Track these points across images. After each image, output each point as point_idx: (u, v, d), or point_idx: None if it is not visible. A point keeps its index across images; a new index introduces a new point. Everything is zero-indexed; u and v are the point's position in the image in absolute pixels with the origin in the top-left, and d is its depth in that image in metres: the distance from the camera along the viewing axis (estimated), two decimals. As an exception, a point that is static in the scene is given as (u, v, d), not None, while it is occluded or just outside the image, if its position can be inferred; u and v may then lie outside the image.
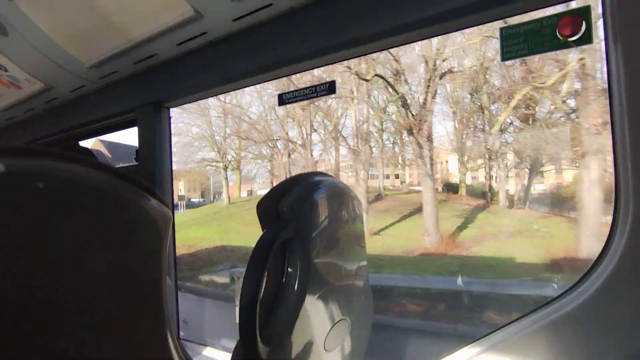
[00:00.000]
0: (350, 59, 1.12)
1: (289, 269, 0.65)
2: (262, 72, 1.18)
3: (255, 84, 1.27)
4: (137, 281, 0.41)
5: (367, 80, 9.03)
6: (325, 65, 1.12)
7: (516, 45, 0.79)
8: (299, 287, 0.65)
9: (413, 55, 8.93)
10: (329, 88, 1.12)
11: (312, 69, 1.15)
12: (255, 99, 12.32)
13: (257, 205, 0.66)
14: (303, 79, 7.88)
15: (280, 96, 1.19)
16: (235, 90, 1.31)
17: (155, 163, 1.46)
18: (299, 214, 0.66)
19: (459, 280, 5.88)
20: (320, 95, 1.13)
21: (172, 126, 1.53)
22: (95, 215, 0.38)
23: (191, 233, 10.59)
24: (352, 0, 0.98)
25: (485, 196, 9.33)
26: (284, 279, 0.65)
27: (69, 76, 1.50)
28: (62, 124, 1.87)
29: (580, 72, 6.41)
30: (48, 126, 1.94)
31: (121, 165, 1.68)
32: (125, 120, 1.62)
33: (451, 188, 10.51)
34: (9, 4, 1.19)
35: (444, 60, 8.31)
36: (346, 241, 0.79)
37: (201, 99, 1.42)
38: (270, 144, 12.12)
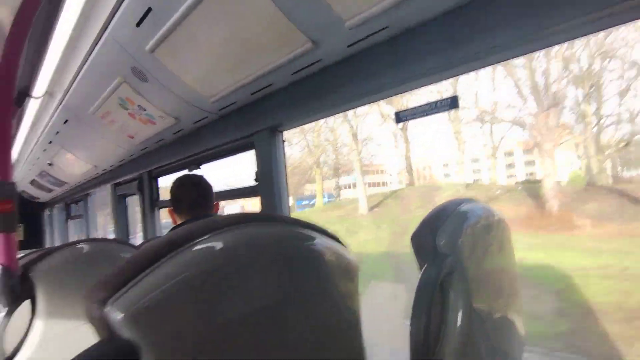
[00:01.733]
0: (470, 72, 1.05)
1: (450, 311, 0.62)
2: (375, 92, 1.17)
3: (369, 104, 1.27)
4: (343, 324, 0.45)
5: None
6: (445, 79, 1.07)
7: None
8: (460, 332, 0.62)
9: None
10: (452, 103, 1.07)
11: (430, 84, 1.11)
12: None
13: (412, 238, 0.64)
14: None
15: (397, 114, 1.17)
16: (348, 111, 1.33)
17: (273, 182, 1.55)
18: (455, 248, 0.63)
19: None
20: (442, 111, 1.09)
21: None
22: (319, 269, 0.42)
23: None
24: (473, 14, 0.92)
25: None
26: (443, 323, 0.63)
27: (194, 110, 1.67)
28: (186, 151, 2.09)
29: None
30: (174, 153, 2.19)
31: (244, 186, 1.81)
32: (242, 144, 1.75)
33: None
34: (150, 55, 1.35)
35: None
36: (499, 277, 0.74)
37: (314, 121, 1.46)
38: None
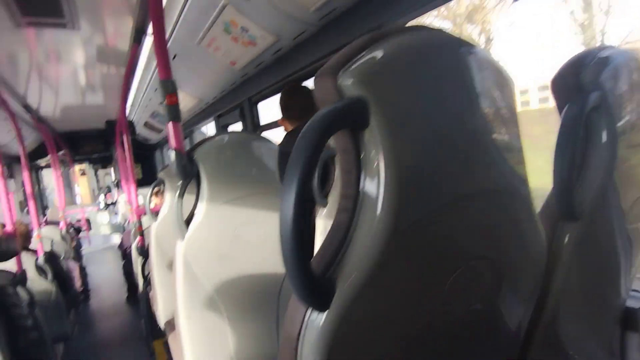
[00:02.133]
0: None
1: (595, 147, 0.63)
2: None
3: None
4: None
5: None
6: None
7: None
8: (604, 163, 0.63)
9: None
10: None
11: None
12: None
13: (552, 81, 0.65)
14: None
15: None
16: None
17: None
18: (600, 85, 0.62)
19: None
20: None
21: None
22: None
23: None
24: None
25: None
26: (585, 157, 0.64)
27: (294, 24, 1.72)
28: (285, 71, 2.18)
29: None
30: (273, 76, 2.30)
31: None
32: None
33: None
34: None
35: None
36: None
37: (425, 14, 1.42)
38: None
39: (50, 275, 2.58)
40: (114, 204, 7.53)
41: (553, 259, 0.62)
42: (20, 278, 2.08)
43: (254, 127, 2.79)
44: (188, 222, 1.16)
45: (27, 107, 3.72)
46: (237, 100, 2.84)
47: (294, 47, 1.97)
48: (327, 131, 0.42)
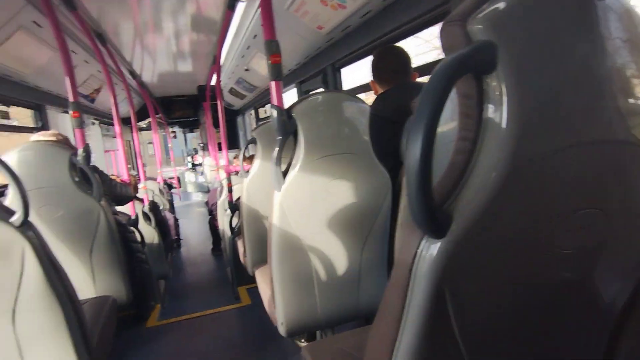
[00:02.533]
0: None
1: None
2: None
3: None
4: None
5: None
6: None
7: None
8: None
9: None
10: None
11: None
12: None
13: None
14: None
15: None
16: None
17: None
18: None
19: None
20: None
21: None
22: None
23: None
24: None
25: None
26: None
27: (386, -17, 1.69)
28: (372, 35, 2.17)
29: None
30: (359, 40, 2.30)
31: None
32: (436, 15, 1.72)
33: None
34: None
35: None
36: None
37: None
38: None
39: (153, 222, 2.95)
40: (200, 164, 8.21)
41: None
42: (134, 220, 2.43)
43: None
44: (283, 173, 1.26)
45: (132, 73, 4.15)
46: (321, 66, 2.89)
47: (383, 9, 1.94)
48: (456, 74, 0.44)
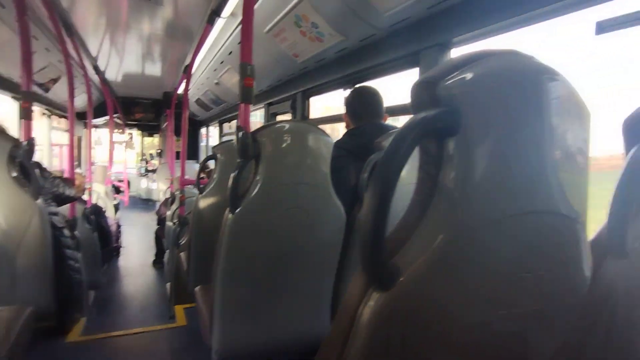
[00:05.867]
0: None
1: None
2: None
3: (550, 19, 1.21)
4: None
5: None
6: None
7: None
8: None
9: None
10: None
11: None
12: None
13: (624, 122, 0.66)
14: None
15: (599, 24, 1.10)
16: (527, 26, 1.28)
17: None
18: None
19: None
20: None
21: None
22: None
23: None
24: None
25: None
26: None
27: (364, 26, 1.77)
28: (344, 70, 2.24)
29: None
30: (331, 73, 2.37)
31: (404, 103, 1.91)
32: (404, 62, 1.82)
33: None
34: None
35: None
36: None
37: (488, 38, 1.44)
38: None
39: (93, 226, 2.76)
40: (153, 171, 7.88)
41: (596, 292, 0.64)
42: (72, 223, 2.26)
43: (302, 119, 2.87)
44: (240, 196, 1.23)
45: (96, 68, 3.98)
46: (291, 92, 2.93)
47: (359, 49, 2.03)
48: (422, 133, 0.47)
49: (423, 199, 0.50)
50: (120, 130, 7.31)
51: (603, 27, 1.09)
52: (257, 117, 4.32)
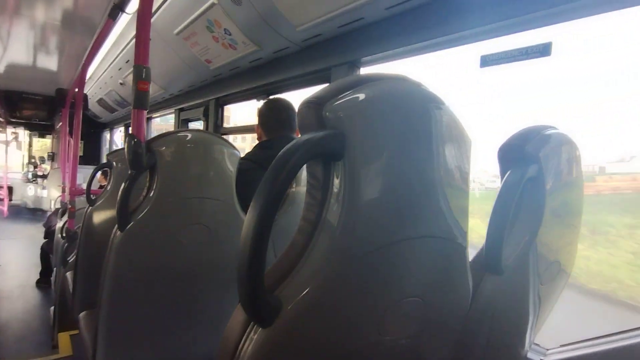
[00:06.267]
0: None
1: (524, 207, 0.72)
2: (472, 36, 1.21)
3: (454, 47, 1.31)
4: None
5: None
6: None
7: None
8: (530, 227, 0.72)
9: None
10: (543, 50, 1.10)
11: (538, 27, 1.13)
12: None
13: (500, 148, 0.73)
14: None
15: (483, 57, 1.22)
16: (434, 52, 1.38)
17: None
18: (539, 159, 0.71)
19: None
20: (531, 58, 1.13)
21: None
22: None
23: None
24: None
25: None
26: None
27: (278, 39, 1.76)
28: (258, 80, 2.21)
29: None
30: (246, 82, 2.31)
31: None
32: (316, 78, 1.84)
33: None
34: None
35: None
36: (570, 197, 0.82)
37: (393, 61, 1.53)
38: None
39: None
40: (44, 176, 6.93)
41: (476, 307, 0.68)
42: None
43: (216, 127, 2.76)
44: (130, 212, 1.11)
45: None
46: (204, 98, 2.80)
47: (273, 60, 2.01)
48: (306, 155, 0.45)
49: (308, 226, 0.47)
50: (1, 129, 6.33)
51: (486, 61, 1.22)
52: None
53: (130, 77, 3.32)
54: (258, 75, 2.18)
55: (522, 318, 0.80)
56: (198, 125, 3.11)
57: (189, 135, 1.16)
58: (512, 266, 0.71)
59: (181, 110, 3.30)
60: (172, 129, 3.40)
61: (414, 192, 0.51)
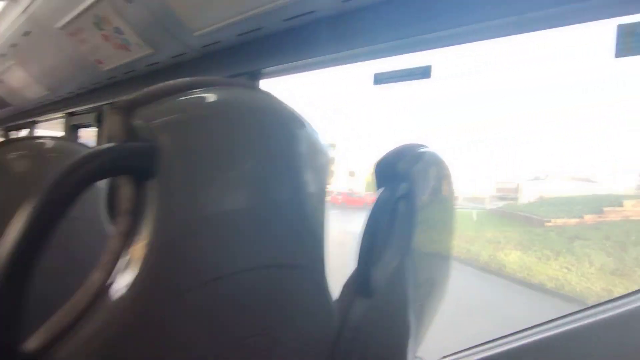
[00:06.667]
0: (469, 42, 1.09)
1: (396, 225, 0.72)
2: (370, 53, 1.24)
3: (355, 62, 1.34)
4: None
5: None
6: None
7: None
8: (403, 245, 0.73)
9: None
10: (423, 72, 1.17)
11: (438, 47, 1.15)
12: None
13: (376, 164, 0.73)
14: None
15: (376, 76, 1.25)
16: (333, 67, 1.40)
17: None
18: (410, 178, 0.72)
19: None
20: (415, 79, 1.19)
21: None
22: None
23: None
24: None
25: None
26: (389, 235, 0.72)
27: (175, 42, 1.65)
28: (158, 86, 2.05)
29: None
30: (145, 87, 2.14)
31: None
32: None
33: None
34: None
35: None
36: (441, 215, 0.86)
37: (294, 74, 1.52)
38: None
39: None
40: None
41: (346, 333, 0.64)
42: None
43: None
44: None
45: None
46: (97, 103, 2.54)
47: (172, 65, 1.88)
48: (101, 171, 0.37)
49: (109, 261, 0.38)
50: None
51: (379, 79, 1.26)
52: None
53: (9, 75, 2.88)
54: (156, 81, 2.00)
55: (400, 337, 0.79)
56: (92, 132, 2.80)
57: (44, 143, 0.98)
58: (385, 287, 0.69)
59: (71, 114, 2.95)
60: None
61: (255, 218, 0.44)
